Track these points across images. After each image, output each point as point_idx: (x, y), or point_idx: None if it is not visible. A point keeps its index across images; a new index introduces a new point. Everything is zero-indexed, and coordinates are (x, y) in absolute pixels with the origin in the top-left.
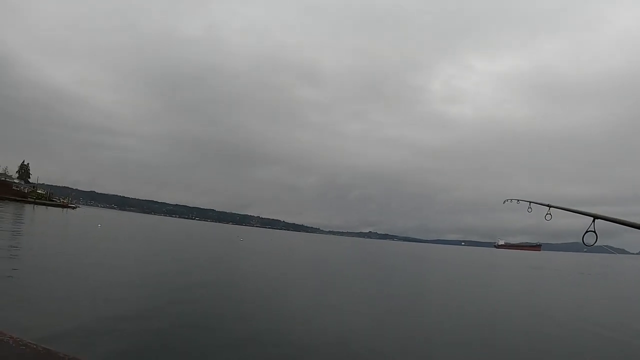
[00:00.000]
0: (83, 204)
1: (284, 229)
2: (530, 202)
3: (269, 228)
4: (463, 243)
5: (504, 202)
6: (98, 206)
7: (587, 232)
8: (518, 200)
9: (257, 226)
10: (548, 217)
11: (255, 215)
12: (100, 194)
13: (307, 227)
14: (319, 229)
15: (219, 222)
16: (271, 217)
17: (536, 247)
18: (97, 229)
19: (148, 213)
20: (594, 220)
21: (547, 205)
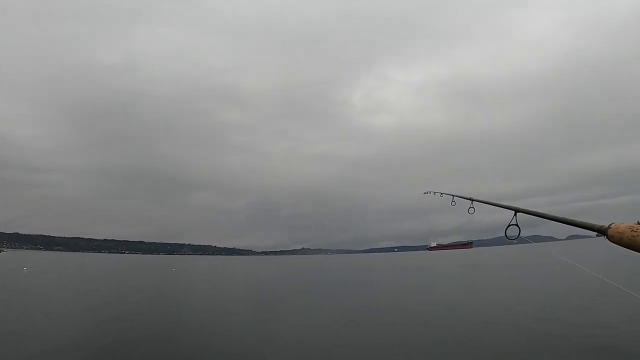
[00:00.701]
0: (7, 247)
1: (217, 254)
2: (453, 195)
3: (201, 255)
4: (396, 249)
5: (424, 193)
6: (23, 248)
7: (509, 225)
8: (441, 194)
9: (189, 254)
10: (471, 210)
11: (187, 243)
12: (25, 235)
13: (240, 250)
14: (251, 250)
15: (150, 253)
16: (203, 244)
17: (468, 244)
18: (23, 273)
19: (75, 251)
20: (515, 214)
21: (470, 199)
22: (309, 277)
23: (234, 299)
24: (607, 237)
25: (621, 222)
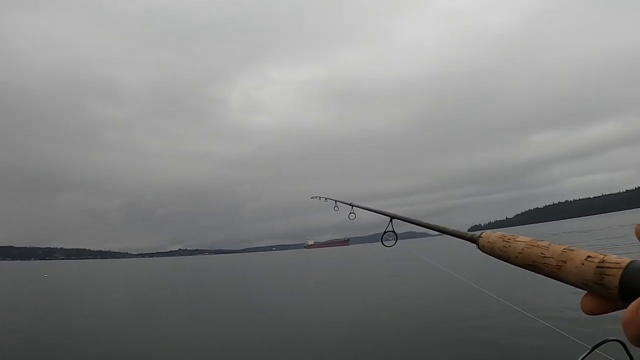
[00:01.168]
0: None
1: (92, 258)
2: (336, 200)
3: (75, 259)
4: (274, 248)
5: (311, 197)
6: None
7: (385, 232)
8: (326, 199)
9: (61, 258)
10: (352, 216)
11: (59, 247)
12: None
13: (115, 252)
14: (127, 252)
15: (21, 259)
16: (77, 247)
17: (345, 242)
18: None
19: None
20: (391, 220)
21: (350, 205)
22: (186, 280)
23: (110, 306)
24: (478, 247)
25: (492, 231)
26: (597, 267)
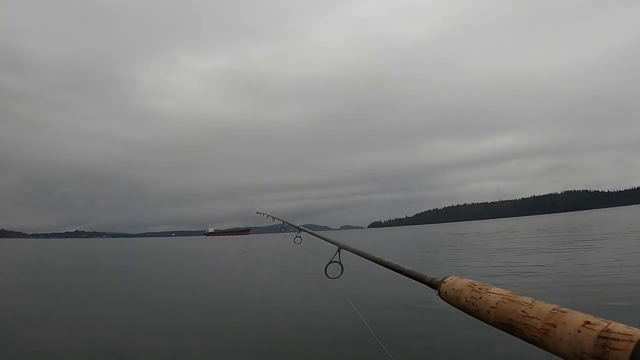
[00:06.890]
0: None
1: None
2: (283, 221)
3: None
4: (174, 234)
5: (257, 213)
6: None
7: (331, 262)
8: (274, 218)
9: None
10: (298, 239)
11: None
12: None
13: (7, 231)
14: (21, 232)
15: None
16: None
17: (245, 231)
18: None
19: None
20: (339, 250)
21: (297, 228)
22: (82, 264)
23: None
24: (438, 294)
25: (458, 277)
26: (600, 337)
